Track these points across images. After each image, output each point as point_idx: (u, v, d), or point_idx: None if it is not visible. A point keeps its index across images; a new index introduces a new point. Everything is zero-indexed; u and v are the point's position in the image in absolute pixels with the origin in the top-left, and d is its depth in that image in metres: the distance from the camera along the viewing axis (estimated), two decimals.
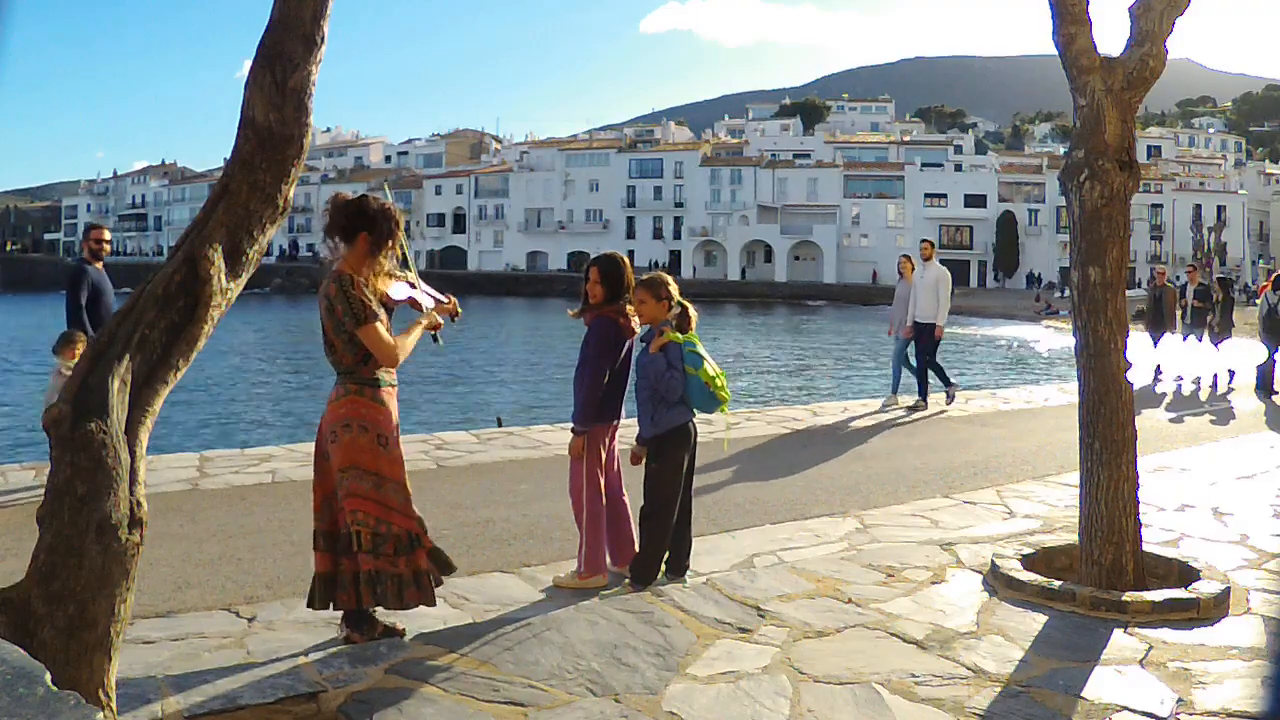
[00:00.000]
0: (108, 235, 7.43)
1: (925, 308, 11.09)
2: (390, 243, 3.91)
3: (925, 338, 11.16)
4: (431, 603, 3.95)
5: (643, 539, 4.80)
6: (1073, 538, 4.95)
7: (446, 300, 4.26)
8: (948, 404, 11.52)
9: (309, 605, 3.97)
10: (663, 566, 4.85)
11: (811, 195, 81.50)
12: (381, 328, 3.80)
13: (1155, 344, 15.33)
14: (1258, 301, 16.11)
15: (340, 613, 3.98)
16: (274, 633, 4.16)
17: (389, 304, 3.98)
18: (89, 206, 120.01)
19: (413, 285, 4.12)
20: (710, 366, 4.69)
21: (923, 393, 11.42)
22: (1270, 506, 6.52)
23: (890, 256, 78.21)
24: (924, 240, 11.78)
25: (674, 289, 4.83)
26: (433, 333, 4.14)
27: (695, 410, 4.78)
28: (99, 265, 7.15)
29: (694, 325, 4.85)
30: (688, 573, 4.91)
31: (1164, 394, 13.82)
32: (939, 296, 11.06)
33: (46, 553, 2.57)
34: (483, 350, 32.40)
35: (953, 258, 77.72)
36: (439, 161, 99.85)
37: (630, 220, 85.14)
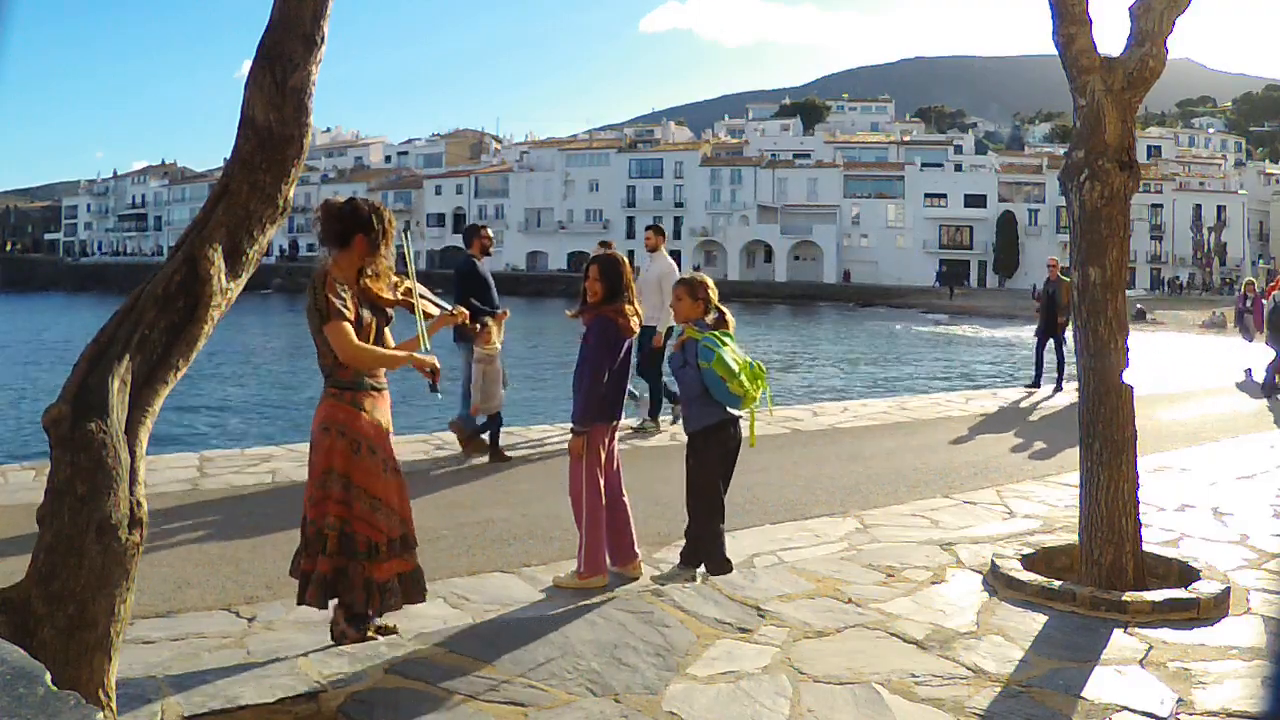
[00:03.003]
0: (491, 234, 8.56)
1: (649, 309, 8.67)
2: (386, 243, 3.90)
3: (648, 345, 9.04)
4: (367, 610, 3.89)
5: (691, 529, 4.90)
6: (1073, 538, 4.95)
7: (455, 313, 4.18)
8: (635, 429, 9.24)
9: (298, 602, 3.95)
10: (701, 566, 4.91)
11: (811, 195, 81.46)
12: (348, 327, 3.74)
13: (1040, 349, 13.56)
14: (1265, 301, 16.05)
15: (329, 613, 3.99)
16: (274, 633, 4.16)
17: (382, 305, 3.96)
18: (89, 206, 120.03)
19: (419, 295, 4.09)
20: (731, 362, 4.66)
21: (654, 411, 9.39)
22: (1270, 506, 6.52)
23: (891, 257, 78.47)
24: (649, 228, 9.69)
25: (713, 291, 4.91)
26: (430, 381, 4.02)
27: (729, 407, 4.78)
28: (483, 260, 8.28)
29: (731, 329, 4.90)
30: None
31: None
32: (665, 295, 8.61)
33: (46, 553, 2.57)
34: None
35: (953, 257, 77.84)
36: (439, 161, 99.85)
37: (630, 220, 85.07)
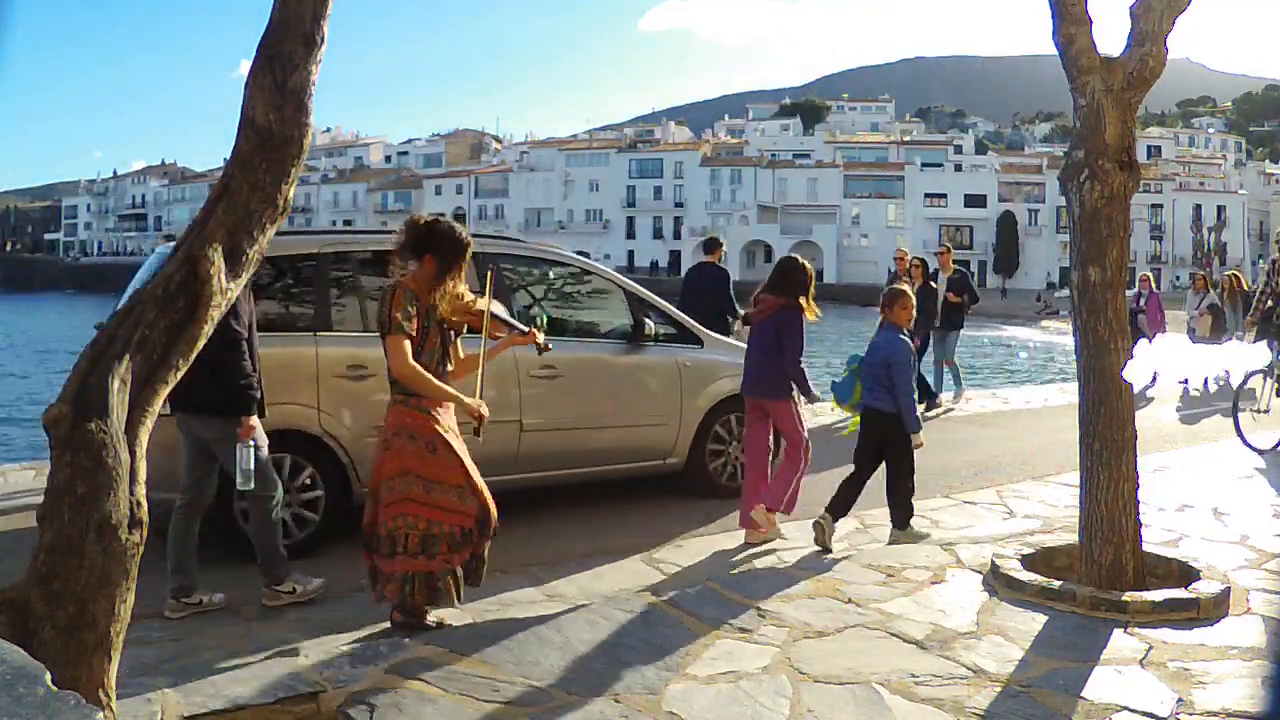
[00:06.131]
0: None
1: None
2: (457, 268, 3.99)
3: None
4: (449, 603, 4.08)
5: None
6: (1073, 538, 4.95)
7: (527, 332, 4.28)
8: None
9: (371, 593, 4.15)
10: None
11: (811, 195, 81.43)
12: (405, 344, 3.85)
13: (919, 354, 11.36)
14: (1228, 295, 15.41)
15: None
16: (274, 633, 4.16)
17: (450, 326, 4.05)
18: (89, 206, 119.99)
19: (496, 316, 4.18)
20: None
21: None
22: (1270, 506, 6.52)
23: (891, 257, 78.31)
24: None
25: (904, 300, 5.75)
26: (476, 425, 4.03)
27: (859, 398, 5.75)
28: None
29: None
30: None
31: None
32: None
33: (46, 553, 2.57)
34: None
35: (953, 258, 77.74)
36: (439, 161, 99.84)
37: (630, 220, 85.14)
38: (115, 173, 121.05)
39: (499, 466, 5.57)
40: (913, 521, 5.74)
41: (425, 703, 3.29)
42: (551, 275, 6.74)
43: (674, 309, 7.10)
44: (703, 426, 6.73)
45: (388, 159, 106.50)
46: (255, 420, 4.38)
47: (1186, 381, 13.98)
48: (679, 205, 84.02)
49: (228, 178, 3.07)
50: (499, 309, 4.25)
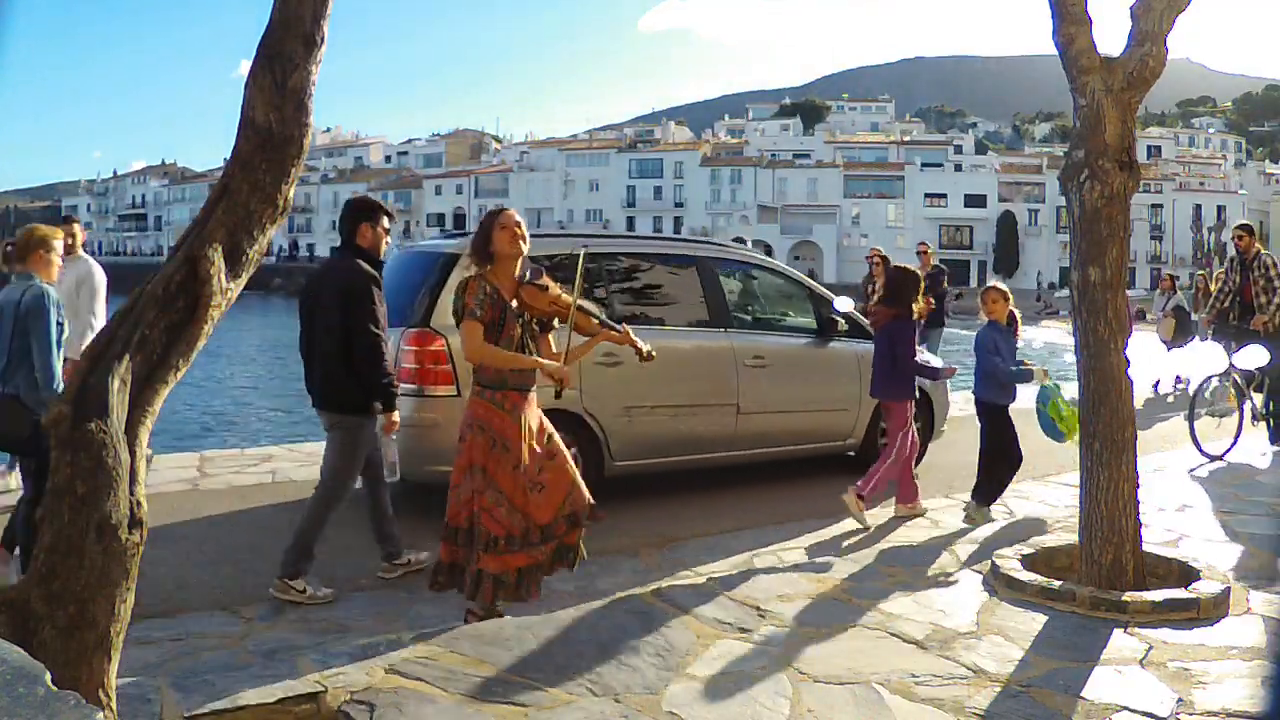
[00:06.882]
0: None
1: (79, 328, 5.97)
2: (495, 247, 4.00)
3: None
4: (525, 598, 4.09)
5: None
6: (1073, 538, 4.95)
7: (619, 331, 4.20)
8: None
9: (430, 587, 4.12)
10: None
11: (811, 195, 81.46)
12: (477, 327, 3.89)
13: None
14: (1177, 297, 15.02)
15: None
16: (274, 633, 4.16)
17: (534, 314, 4.05)
18: (89, 206, 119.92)
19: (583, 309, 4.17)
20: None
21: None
22: (1270, 506, 6.52)
23: (891, 256, 78.24)
24: (67, 220, 6.76)
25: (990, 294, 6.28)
26: (557, 389, 4.07)
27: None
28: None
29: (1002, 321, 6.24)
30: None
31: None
32: (80, 310, 6.21)
33: (46, 553, 2.57)
34: None
35: (953, 258, 77.78)
36: (439, 161, 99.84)
37: (630, 220, 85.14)
38: (115, 173, 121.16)
39: (721, 445, 6.77)
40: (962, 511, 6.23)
41: (425, 703, 3.29)
42: (751, 277, 7.59)
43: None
44: (876, 412, 7.37)
45: (388, 159, 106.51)
46: (398, 415, 4.71)
47: (1158, 384, 13.73)
48: (679, 205, 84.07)
49: (228, 178, 3.06)
50: (589, 305, 4.25)
